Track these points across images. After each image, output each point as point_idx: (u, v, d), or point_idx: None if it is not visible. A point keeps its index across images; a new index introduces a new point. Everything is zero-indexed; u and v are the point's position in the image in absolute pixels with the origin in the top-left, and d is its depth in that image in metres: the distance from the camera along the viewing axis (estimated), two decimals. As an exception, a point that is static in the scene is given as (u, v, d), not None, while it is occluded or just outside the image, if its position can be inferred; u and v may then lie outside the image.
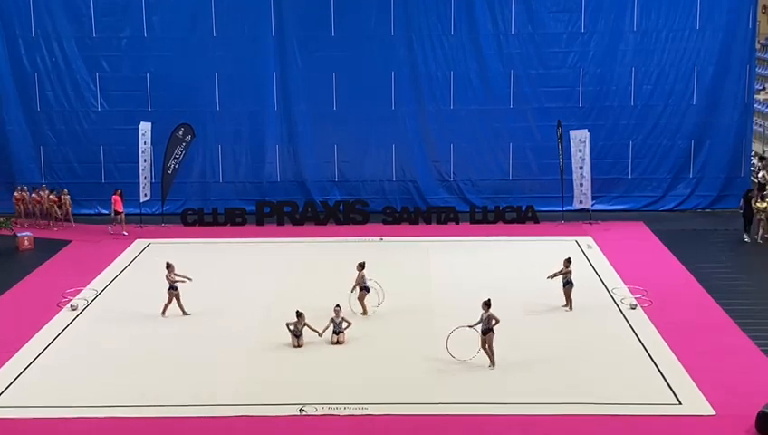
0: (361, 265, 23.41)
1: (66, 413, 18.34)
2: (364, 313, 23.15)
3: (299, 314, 21.38)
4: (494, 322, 20.01)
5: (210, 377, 20.00)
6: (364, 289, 23.27)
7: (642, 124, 33.64)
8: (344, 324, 21.67)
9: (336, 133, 34.06)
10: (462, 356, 20.15)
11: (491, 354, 20.11)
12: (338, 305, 21.78)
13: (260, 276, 26.56)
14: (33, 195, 32.15)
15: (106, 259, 28.37)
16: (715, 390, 18.88)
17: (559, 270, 23.70)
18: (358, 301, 23.19)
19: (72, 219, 32.12)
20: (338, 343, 21.55)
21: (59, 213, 31.86)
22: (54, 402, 18.87)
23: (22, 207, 32.13)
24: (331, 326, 21.65)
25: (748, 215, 30.22)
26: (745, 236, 30.12)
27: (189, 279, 23.68)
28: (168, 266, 23.58)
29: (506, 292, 24.74)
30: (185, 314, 23.42)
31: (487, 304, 20.21)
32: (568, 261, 23.71)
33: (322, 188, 34.29)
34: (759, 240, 29.94)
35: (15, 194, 32.26)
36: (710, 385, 19.09)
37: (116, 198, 31.33)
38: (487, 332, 20.04)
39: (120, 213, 31.32)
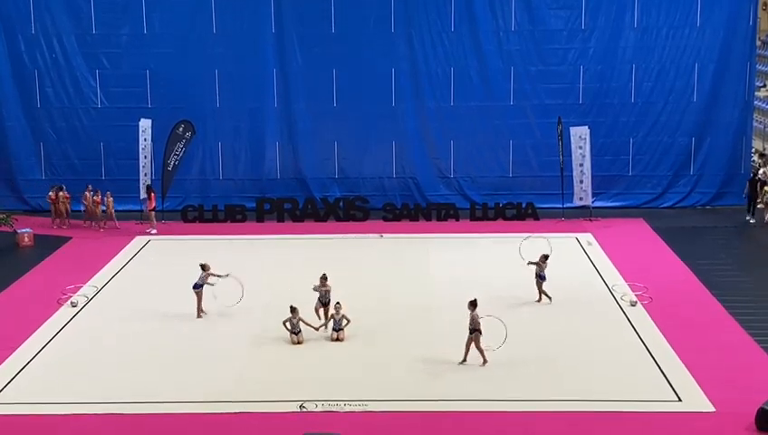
0: (324, 278, 22.67)
1: (66, 410, 18.37)
2: (321, 325, 22.13)
3: (293, 310, 21.36)
4: (477, 322, 20.09)
5: (210, 374, 20.02)
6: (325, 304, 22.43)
7: (642, 121, 33.63)
8: (344, 322, 21.67)
9: (336, 130, 34.03)
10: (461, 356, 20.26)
11: (467, 351, 20.12)
12: (338, 303, 21.77)
13: (260, 273, 26.53)
14: (65, 194, 31.76)
15: (106, 256, 28.37)
16: (714, 386, 18.90)
17: (536, 261, 24.04)
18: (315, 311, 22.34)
19: (115, 220, 31.60)
20: (338, 339, 21.56)
21: (99, 213, 31.41)
22: (54, 399, 18.90)
23: (55, 207, 31.68)
24: (331, 323, 21.65)
25: (753, 197, 31.74)
26: (748, 217, 31.80)
27: (220, 276, 23.43)
28: (204, 267, 23.48)
29: (505, 289, 24.77)
30: (199, 314, 23.34)
31: (473, 304, 20.25)
32: (545, 257, 23.99)
33: (322, 185, 34.26)
34: (766, 220, 31.32)
35: (51, 194, 31.83)
36: (710, 382, 19.11)
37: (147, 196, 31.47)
38: (473, 331, 20.07)
39: (150, 211, 31.27)
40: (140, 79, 33.62)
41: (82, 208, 31.86)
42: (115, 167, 34.01)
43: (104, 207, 31.55)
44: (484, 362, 20.11)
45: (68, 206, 31.76)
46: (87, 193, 31.55)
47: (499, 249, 28.95)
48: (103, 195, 31.52)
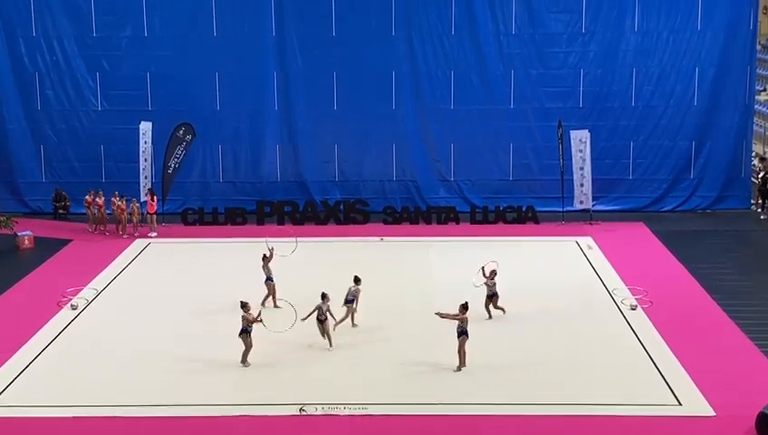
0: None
1: (66, 413, 18.37)
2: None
3: (243, 304, 20.72)
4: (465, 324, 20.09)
5: (210, 376, 20.02)
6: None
7: (643, 125, 33.62)
8: (327, 314, 21.46)
9: (336, 133, 34.05)
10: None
11: (462, 356, 20.03)
12: (325, 294, 21.55)
13: (259, 276, 26.52)
14: (102, 200, 31.31)
15: (106, 259, 28.35)
16: (714, 390, 18.89)
17: (487, 277, 23.14)
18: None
19: (133, 226, 31.08)
20: (323, 331, 21.34)
21: (129, 218, 31.03)
22: (54, 402, 18.89)
23: (91, 211, 31.37)
24: (316, 313, 21.44)
25: (765, 193, 32.96)
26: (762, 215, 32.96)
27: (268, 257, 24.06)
28: (264, 258, 23.91)
29: (506, 292, 24.75)
30: (276, 306, 23.58)
31: (465, 308, 20.24)
32: (493, 273, 23.06)
33: (323, 188, 34.28)
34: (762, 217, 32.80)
35: (87, 198, 31.51)
36: (710, 386, 19.10)
37: (148, 199, 31.32)
38: (461, 334, 20.05)
39: (151, 214, 31.20)
40: (141, 81, 33.64)
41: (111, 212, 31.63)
42: (115, 169, 34.03)
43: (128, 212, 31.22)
44: (462, 366, 20.00)
45: (104, 211, 31.33)
46: (114, 199, 31.23)
47: (499, 253, 28.91)
48: (128, 201, 31.21)
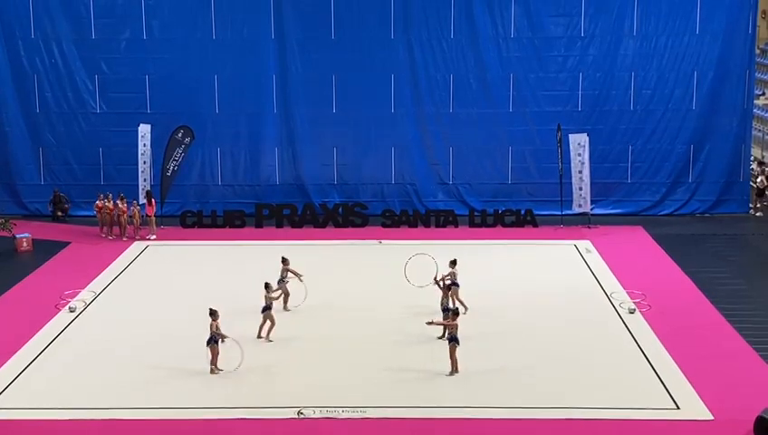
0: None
1: (64, 415, 18.36)
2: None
3: (212, 312, 20.57)
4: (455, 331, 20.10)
5: (209, 379, 20.00)
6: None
7: (642, 128, 33.64)
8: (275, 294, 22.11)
9: (335, 136, 34.06)
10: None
11: (454, 362, 20.00)
12: (267, 283, 22.20)
13: (257, 279, 26.51)
14: (112, 203, 31.10)
15: (104, 261, 28.34)
16: (713, 394, 18.90)
17: (447, 273, 23.16)
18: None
19: (134, 229, 30.93)
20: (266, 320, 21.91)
21: (128, 221, 30.90)
22: (52, 404, 18.88)
23: (102, 216, 31.15)
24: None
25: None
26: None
27: (300, 276, 23.86)
28: (284, 261, 23.91)
29: (505, 296, 24.78)
30: (285, 309, 23.67)
31: (456, 314, 20.37)
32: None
33: (321, 191, 34.28)
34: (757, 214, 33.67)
35: (98, 202, 31.32)
36: (708, 390, 19.10)
37: (146, 202, 31.28)
38: (452, 340, 20.03)
39: (149, 216, 31.16)
40: (140, 84, 33.65)
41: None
42: (114, 172, 34.02)
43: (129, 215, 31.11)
44: (455, 372, 19.99)
45: (113, 216, 31.09)
46: (118, 201, 31.13)
47: (498, 256, 28.97)
48: (129, 203, 31.10)
